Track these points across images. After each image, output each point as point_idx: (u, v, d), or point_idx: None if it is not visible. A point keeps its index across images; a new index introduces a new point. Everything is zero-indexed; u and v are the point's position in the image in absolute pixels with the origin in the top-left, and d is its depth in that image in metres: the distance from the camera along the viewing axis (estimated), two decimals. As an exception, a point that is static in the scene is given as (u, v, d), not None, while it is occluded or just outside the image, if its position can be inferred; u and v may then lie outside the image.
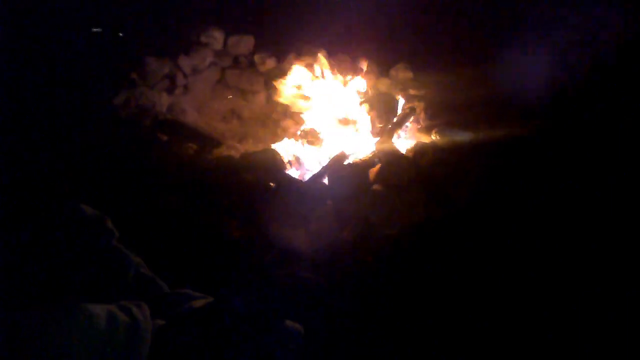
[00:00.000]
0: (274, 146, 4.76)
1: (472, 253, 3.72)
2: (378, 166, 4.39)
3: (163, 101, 4.92)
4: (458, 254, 3.78)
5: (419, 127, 4.84)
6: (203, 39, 5.44)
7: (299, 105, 5.28)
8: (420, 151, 4.46)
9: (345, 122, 4.90)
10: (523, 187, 4.08)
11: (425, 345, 2.84)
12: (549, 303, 3.03)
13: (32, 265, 2.17)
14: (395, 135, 4.79)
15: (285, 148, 4.83)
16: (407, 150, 4.55)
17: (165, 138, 4.24)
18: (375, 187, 4.26)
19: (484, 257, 3.65)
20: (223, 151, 4.40)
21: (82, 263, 2.34)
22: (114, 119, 4.15)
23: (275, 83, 5.19)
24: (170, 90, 5.15)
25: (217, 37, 5.50)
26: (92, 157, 3.68)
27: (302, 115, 5.21)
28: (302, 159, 4.78)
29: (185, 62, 5.31)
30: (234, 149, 4.53)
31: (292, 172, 4.64)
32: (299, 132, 4.85)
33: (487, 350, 2.79)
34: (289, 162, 4.69)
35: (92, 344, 1.65)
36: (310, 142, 4.85)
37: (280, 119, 5.28)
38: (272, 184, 4.02)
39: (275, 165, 4.11)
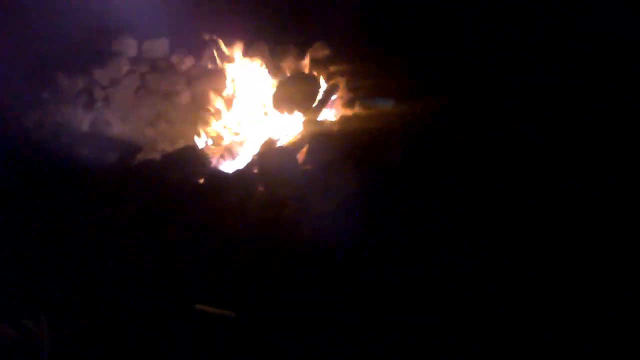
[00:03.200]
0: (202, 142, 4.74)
1: (414, 218, 3.77)
2: (306, 146, 4.39)
3: (82, 117, 4.81)
4: (400, 221, 3.83)
5: (343, 102, 4.85)
6: (116, 47, 5.33)
7: (223, 98, 5.25)
8: (345, 124, 4.48)
9: (269, 107, 4.89)
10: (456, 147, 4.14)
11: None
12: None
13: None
14: (320, 114, 4.78)
15: (215, 143, 4.81)
16: (333, 125, 4.55)
17: (85, 153, 4.15)
18: (306, 167, 4.27)
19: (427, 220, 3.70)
20: (147, 154, 4.34)
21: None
22: (29, 141, 4.03)
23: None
24: (89, 104, 5.03)
25: (130, 44, 5.40)
26: (9, 180, 3.58)
27: (227, 110, 5.18)
28: (233, 151, 4.75)
29: (100, 74, 5.19)
30: (158, 152, 4.46)
31: (227, 165, 4.62)
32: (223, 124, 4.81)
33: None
34: (222, 155, 4.66)
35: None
36: (236, 132, 4.84)
37: (206, 116, 5.21)
38: (199, 180, 3.98)
39: (198, 160, 4.07)
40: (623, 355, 2.62)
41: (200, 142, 4.80)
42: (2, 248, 2.36)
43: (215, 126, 5.12)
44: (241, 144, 4.78)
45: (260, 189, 4.12)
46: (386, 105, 4.60)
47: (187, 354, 2.52)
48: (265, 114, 5.06)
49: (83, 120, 4.76)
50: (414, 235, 3.56)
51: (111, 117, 5.07)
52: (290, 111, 4.77)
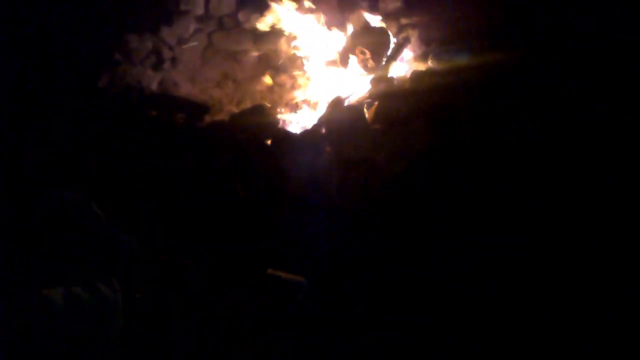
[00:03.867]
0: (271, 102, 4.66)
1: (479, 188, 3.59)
2: (375, 104, 4.21)
3: (151, 77, 4.83)
4: (467, 185, 3.66)
5: (415, 55, 4.60)
6: (183, 6, 5.28)
7: (291, 59, 5.12)
8: (417, 80, 4.25)
9: (337, 64, 4.71)
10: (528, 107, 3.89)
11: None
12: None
13: (21, 252, 2.17)
14: (391, 69, 4.57)
15: (283, 104, 4.72)
16: (404, 82, 4.34)
17: (154, 113, 4.17)
18: (375, 126, 4.11)
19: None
20: (214, 116, 4.31)
21: (70, 246, 2.33)
22: (101, 101, 4.10)
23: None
24: (158, 65, 5.04)
25: (197, 2, 5.33)
26: (82, 141, 3.65)
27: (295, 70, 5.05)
28: (301, 111, 4.66)
29: (168, 34, 5.18)
30: (224, 113, 4.43)
31: (294, 125, 4.53)
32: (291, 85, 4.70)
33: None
34: (290, 115, 4.59)
35: (51, 327, 1.62)
36: (304, 93, 4.72)
37: (273, 75, 5.12)
38: (267, 140, 3.92)
39: (267, 120, 3.99)
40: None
41: (268, 102, 4.72)
42: (75, 210, 2.37)
43: (282, 86, 5.03)
44: (309, 103, 4.66)
45: (328, 149, 4.00)
46: (461, 59, 4.31)
47: (257, 320, 2.50)
48: (334, 72, 4.89)
49: (152, 81, 4.78)
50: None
51: (179, 77, 5.08)
52: (359, 68, 4.58)
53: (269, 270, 2.67)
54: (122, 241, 2.54)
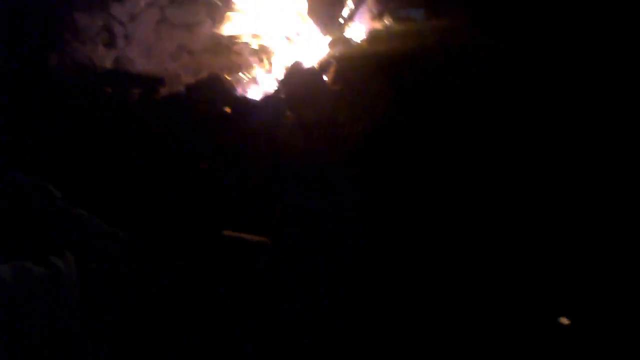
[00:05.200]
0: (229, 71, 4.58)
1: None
2: (334, 65, 4.17)
3: (104, 55, 4.70)
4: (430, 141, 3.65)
5: (372, 15, 4.55)
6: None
7: (247, 26, 5.03)
8: (374, 40, 4.21)
9: (294, 30, 4.64)
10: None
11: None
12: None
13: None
14: (348, 30, 4.52)
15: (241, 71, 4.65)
16: (362, 42, 4.30)
17: (108, 90, 4.07)
18: (335, 87, 4.07)
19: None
20: (170, 89, 4.23)
21: (24, 225, 2.28)
22: (51, 81, 3.96)
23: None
24: (111, 42, 4.91)
25: (145, -24, 5.17)
26: (34, 124, 3.54)
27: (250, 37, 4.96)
28: (258, 79, 4.59)
29: (119, 11, 5.03)
30: (181, 86, 4.35)
31: (253, 92, 4.48)
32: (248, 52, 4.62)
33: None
34: (248, 83, 4.53)
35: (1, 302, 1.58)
36: (263, 59, 4.65)
37: (230, 44, 5.03)
38: (226, 109, 3.86)
39: (224, 89, 3.93)
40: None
41: (225, 71, 4.64)
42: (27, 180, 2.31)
43: (239, 54, 4.94)
44: (267, 70, 4.60)
45: (289, 113, 3.96)
46: (418, 16, 4.28)
47: (217, 281, 2.48)
48: (289, 38, 4.83)
49: (105, 59, 4.65)
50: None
51: (133, 53, 4.96)
52: (315, 31, 4.52)
53: (226, 232, 2.64)
54: (82, 219, 2.49)
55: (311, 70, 4.14)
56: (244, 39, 4.95)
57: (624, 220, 2.95)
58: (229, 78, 4.20)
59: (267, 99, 4.01)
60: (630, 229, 2.90)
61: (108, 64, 4.67)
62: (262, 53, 4.71)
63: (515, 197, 3.20)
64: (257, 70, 4.58)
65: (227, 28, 5.05)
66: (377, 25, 4.42)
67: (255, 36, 4.89)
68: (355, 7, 4.60)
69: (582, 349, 2.52)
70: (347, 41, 4.36)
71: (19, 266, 1.67)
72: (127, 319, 2.14)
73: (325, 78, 4.12)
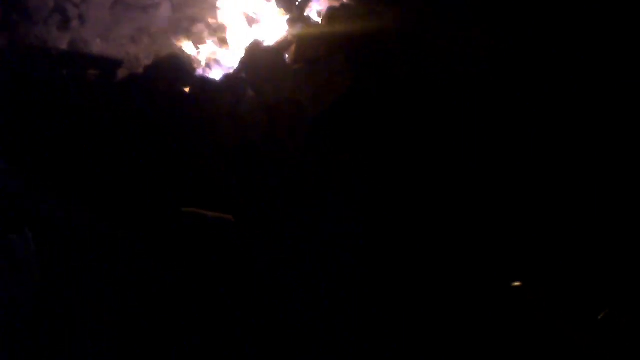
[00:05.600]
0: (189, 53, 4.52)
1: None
2: (294, 44, 4.17)
3: (58, 37, 4.57)
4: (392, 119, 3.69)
5: (330, -7, 4.56)
6: (84, -40, 4.98)
7: (206, 5, 4.96)
8: (333, 17, 4.22)
9: (253, 9, 4.61)
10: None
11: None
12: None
13: None
14: (307, 9, 4.51)
15: (201, 52, 4.59)
16: (321, 19, 4.30)
17: (64, 72, 3.97)
18: (295, 66, 4.08)
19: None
20: (130, 71, 4.15)
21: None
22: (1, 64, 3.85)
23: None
24: (64, 24, 4.77)
25: (98, -45, 5.02)
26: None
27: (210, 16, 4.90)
28: (218, 58, 4.55)
29: (72, -9, 4.88)
30: (140, 68, 4.27)
31: (214, 72, 4.44)
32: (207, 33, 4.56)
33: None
34: (208, 63, 4.48)
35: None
36: (223, 40, 4.60)
37: (189, 25, 4.94)
38: (185, 89, 3.82)
39: (184, 68, 3.88)
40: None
41: (184, 51, 4.58)
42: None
43: (198, 35, 4.88)
44: (227, 49, 4.56)
45: (250, 93, 3.95)
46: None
47: (181, 258, 2.48)
48: (248, 17, 4.78)
49: (60, 41, 4.52)
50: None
51: (88, 35, 4.83)
52: (275, 9, 4.50)
53: (185, 209, 2.63)
54: (38, 200, 2.45)
55: (271, 50, 4.13)
56: (204, 19, 4.87)
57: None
58: (189, 58, 4.14)
59: (228, 78, 3.98)
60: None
61: (63, 46, 4.54)
62: (221, 33, 4.65)
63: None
64: (218, 51, 4.53)
65: (186, 9, 4.96)
66: (335, 2, 4.43)
67: (214, 17, 4.82)
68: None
69: (535, 305, 2.60)
70: (306, 19, 4.35)
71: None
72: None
73: (285, 57, 4.12)
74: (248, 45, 4.29)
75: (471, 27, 3.90)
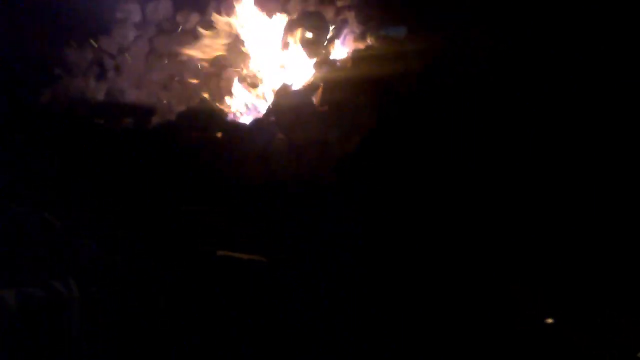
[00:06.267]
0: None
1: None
2: (320, 87, 4.27)
3: (95, 87, 4.80)
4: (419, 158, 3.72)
5: (354, 36, 4.68)
6: (119, 15, 5.26)
7: (235, 53, 5.14)
8: (358, 59, 4.32)
9: (279, 55, 4.76)
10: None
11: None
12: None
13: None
14: (332, 52, 4.64)
15: (235, 98, 4.76)
16: (346, 62, 4.41)
17: (101, 121, 4.15)
18: (322, 108, 4.17)
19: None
20: (162, 118, 4.32)
21: (25, 252, 2.33)
22: (46, 117, 4.05)
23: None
24: (101, 75, 5.01)
25: (133, 10, 5.31)
26: (32, 156, 3.62)
27: (240, 62, 5.08)
28: (250, 104, 4.69)
29: (108, 43, 5.15)
30: (172, 114, 4.43)
31: (244, 117, 4.58)
32: (237, 79, 4.72)
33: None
34: (238, 109, 4.62)
35: (3, 325, 1.64)
36: (252, 85, 4.75)
37: (219, 72, 5.13)
38: (218, 134, 3.94)
39: (214, 114, 4.02)
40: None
41: (215, 98, 4.75)
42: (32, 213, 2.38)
43: (229, 80, 5.04)
44: (257, 95, 4.70)
45: (280, 136, 4.05)
46: (399, 34, 4.41)
47: (215, 302, 2.52)
48: (278, 62, 4.93)
49: (97, 91, 4.75)
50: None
51: (124, 84, 5.06)
52: (301, 54, 4.63)
53: (219, 252, 2.69)
54: (80, 245, 2.55)
55: (299, 93, 4.24)
56: (234, 65, 5.05)
57: (622, 222, 3.02)
58: (219, 105, 4.28)
59: (258, 122, 4.09)
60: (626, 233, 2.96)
61: (100, 96, 4.76)
62: (250, 78, 4.81)
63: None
64: (247, 96, 4.67)
65: (217, 55, 5.16)
66: (360, 45, 4.55)
67: (243, 62, 4.99)
68: (338, 29, 4.73)
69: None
70: (332, 63, 4.46)
71: (22, 291, 1.72)
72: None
73: (313, 99, 4.22)
74: (276, 89, 4.41)
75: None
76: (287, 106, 4.17)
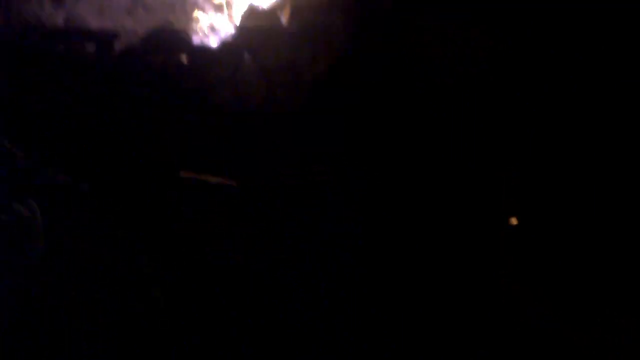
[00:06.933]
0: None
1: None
2: (290, 7, 4.12)
3: (52, 14, 4.54)
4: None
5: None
6: None
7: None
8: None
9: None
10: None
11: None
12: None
13: None
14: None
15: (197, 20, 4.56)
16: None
17: (61, 48, 3.96)
18: (292, 29, 4.03)
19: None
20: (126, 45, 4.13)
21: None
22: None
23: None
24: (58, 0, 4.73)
25: None
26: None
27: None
28: (215, 26, 4.51)
29: (64, -35, 4.83)
30: (137, 40, 4.25)
31: (211, 40, 4.41)
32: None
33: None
34: (202, 32, 4.45)
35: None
36: (218, 7, 4.56)
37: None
38: (183, 58, 3.81)
39: (179, 37, 3.86)
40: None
41: (180, 22, 4.54)
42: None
43: (194, 4, 4.82)
44: (223, 17, 4.51)
45: (248, 59, 3.93)
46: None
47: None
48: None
49: (54, 17, 4.49)
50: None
51: (85, 11, 4.79)
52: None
53: (183, 173, 2.64)
54: (42, 173, 2.48)
55: (267, 13, 4.09)
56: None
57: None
58: (184, 28, 4.11)
59: (225, 45, 3.95)
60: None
61: (59, 22, 4.52)
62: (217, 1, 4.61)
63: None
64: (214, 19, 4.48)
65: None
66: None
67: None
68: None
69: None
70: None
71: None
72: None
73: (282, 20, 4.07)
74: (244, 10, 4.24)
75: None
76: (255, 28, 4.03)
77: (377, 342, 2.57)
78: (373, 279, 2.87)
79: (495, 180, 3.34)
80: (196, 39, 4.29)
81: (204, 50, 3.97)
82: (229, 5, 4.66)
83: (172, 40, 3.91)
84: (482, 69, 3.71)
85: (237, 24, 4.31)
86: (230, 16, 4.53)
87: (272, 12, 4.13)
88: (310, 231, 3.12)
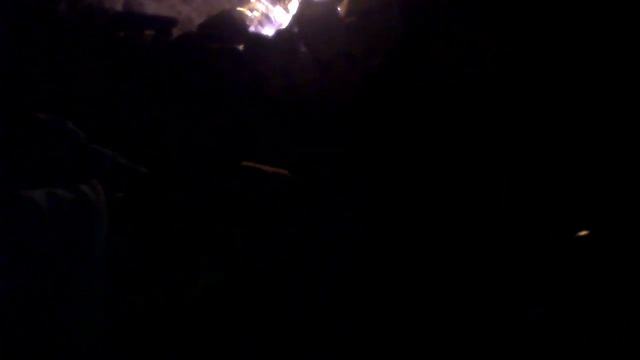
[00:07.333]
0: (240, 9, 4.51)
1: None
2: (347, -3, 4.08)
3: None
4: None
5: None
6: None
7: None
8: (387, -33, 4.07)
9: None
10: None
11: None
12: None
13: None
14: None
15: (253, 9, 4.57)
16: (374, -29, 4.17)
17: (121, 34, 4.04)
18: (348, 19, 3.99)
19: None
20: (182, 31, 4.19)
21: (50, 164, 2.32)
22: (63, 28, 3.95)
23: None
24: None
25: None
26: (48, 66, 3.55)
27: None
28: (271, 15, 4.51)
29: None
30: (193, 27, 4.30)
31: (266, 29, 4.42)
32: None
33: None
34: (259, 21, 4.46)
35: (34, 226, 1.64)
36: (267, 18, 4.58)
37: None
38: (239, 46, 3.82)
39: (236, 25, 3.87)
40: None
41: (237, 9, 4.57)
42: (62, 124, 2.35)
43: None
44: (280, 5, 4.52)
45: (303, 49, 3.91)
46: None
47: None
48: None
49: (114, 2, 4.60)
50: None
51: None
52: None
53: (244, 163, 2.65)
54: (103, 155, 2.53)
55: (324, 3, 4.06)
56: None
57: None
58: (241, 16, 4.12)
59: (281, 34, 3.94)
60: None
61: (118, 7, 4.61)
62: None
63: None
64: (270, 7, 4.49)
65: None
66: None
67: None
68: None
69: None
70: (360, -29, 4.22)
71: (51, 192, 1.72)
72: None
73: (338, 10, 4.04)
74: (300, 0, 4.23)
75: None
76: (311, 17, 4.00)
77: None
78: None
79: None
80: (252, 28, 4.30)
81: (259, 38, 3.96)
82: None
83: (227, 29, 3.92)
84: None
85: (293, 13, 4.30)
86: (286, 5, 4.54)
87: (329, 2, 4.10)
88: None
